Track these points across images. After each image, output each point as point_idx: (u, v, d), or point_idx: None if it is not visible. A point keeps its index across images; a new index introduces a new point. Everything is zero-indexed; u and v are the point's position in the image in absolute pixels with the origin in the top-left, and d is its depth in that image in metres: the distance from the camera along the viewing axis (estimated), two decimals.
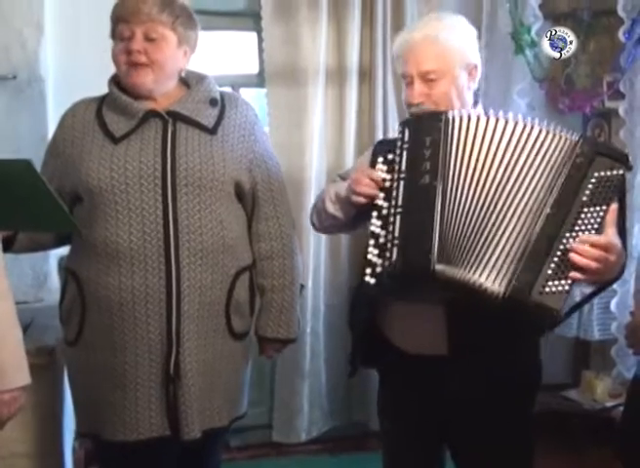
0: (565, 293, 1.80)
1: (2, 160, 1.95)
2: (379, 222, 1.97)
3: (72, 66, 3.08)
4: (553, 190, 1.86)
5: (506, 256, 1.84)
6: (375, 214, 1.99)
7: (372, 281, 1.94)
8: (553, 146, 1.91)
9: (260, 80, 3.51)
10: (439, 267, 1.84)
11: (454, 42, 2.11)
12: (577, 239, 1.81)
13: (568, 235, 1.82)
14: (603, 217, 1.83)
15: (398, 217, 1.92)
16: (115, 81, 2.25)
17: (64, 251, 2.65)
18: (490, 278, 1.83)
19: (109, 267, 2.13)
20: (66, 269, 2.27)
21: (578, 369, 3.87)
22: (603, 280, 1.90)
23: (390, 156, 2.02)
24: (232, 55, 3.61)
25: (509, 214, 1.87)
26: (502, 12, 3.56)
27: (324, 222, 2.32)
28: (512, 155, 1.91)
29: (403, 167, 1.96)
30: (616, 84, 3.53)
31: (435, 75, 2.08)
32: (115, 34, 2.19)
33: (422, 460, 2.25)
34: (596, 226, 1.82)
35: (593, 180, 1.84)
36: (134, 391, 2.14)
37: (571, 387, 3.78)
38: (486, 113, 1.96)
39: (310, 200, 3.35)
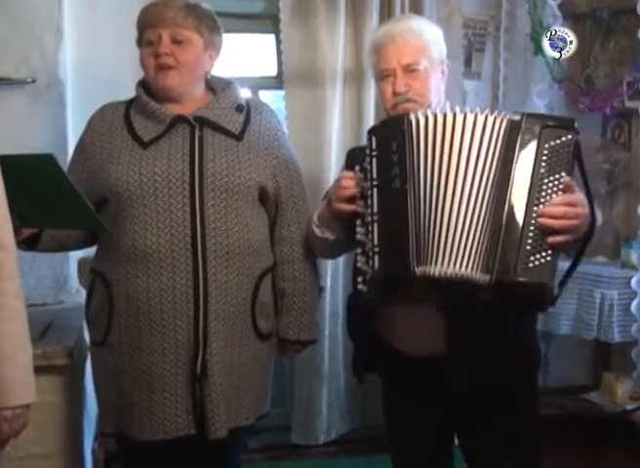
0: (549, 264, 1.80)
1: (25, 154, 1.97)
2: (362, 230, 1.99)
3: (91, 70, 3.10)
4: (510, 171, 1.86)
5: (480, 243, 1.85)
6: (358, 222, 2.01)
7: (364, 289, 1.97)
8: (497, 129, 1.90)
9: (278, 82, 3.51)
10: (419, 270, 1.86)
11: (432, 36, 2.17)
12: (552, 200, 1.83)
13: (535, 208, 1.83)
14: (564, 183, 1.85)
15: (375, 225, 1.94)
16: (143, 85, 2.28)
17: (84, 252, 2.67)
18: (472, 268, 1.84)
19: (137, 269, 2.16)
20: (93, 271, 2.30)
21: (598, 371, 3.84)
22: (579, 236, 1.88)
23: (365, 164, 2.03)
24: (251, 57, 3.61)
25: (471, 202, 1.87)
26: (521, 12, 3.56)
27: (320, 249, 2.35)
28: (462, 145, 1.91)
29: (374, 174, 1.98)
30: (636, 84, 3.52)
31: (417, 66, 2.11)
32: (142, 40, 2.23)
33: (434, 462, 2.26)
34: (559, 193, 1.83)
35: (546, 152, 1.85)
36: (160, 391, 2.17)
37: (591, 389, 3.75)
38: (443, 109, 1.98)
39: None
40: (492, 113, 1.93)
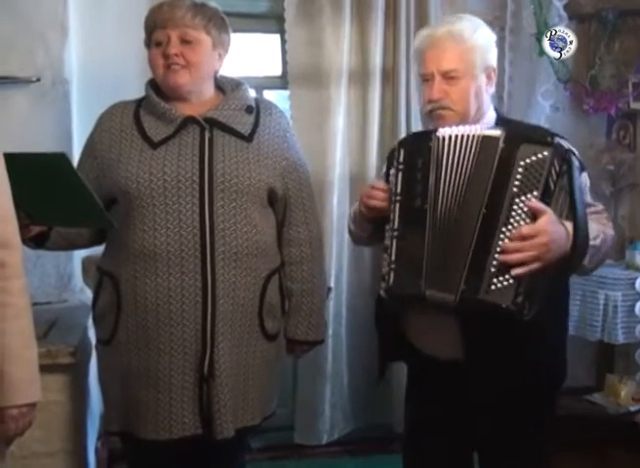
0: (511, 287, 1.81)
1: (37, 153, 1.97)
2: (390, 234, 2.01)
3: (96, 69, 3.10)
4: (487, 190, 1.86)
5: (457, 265, 1.87)
6: (387, 226, 2.02)
7: (385, 297, 2.01)
8: (482, 148, 1.90)
9: (283, 82, 3.51)
10: (429, 292, 1.90)
11: (476, 41, 2.09)
12: (511, 233, 1.82)
13: (504, 229, 1.83)
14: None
15: (394, 241, 1.97)
16: (152, 84, 2.28)
17: (88, 251, 2.67)
18: (447, 289, 1.88)
19: (146, 268, 2.17)
20: (100, 270, 2.30)
21: (601, 372, 3.83)
22: (551, 261, 1.84)
23: (392, 175, 2.04)
24: (255, 57, 3.61)
25: (463, 226, 1.89)
26: (527, 13, 3.54)
27: (355, 240, 2.41)
28: (461, 166, 1.92)
29: (398, 189, 1.99)
30: None
31: (456, 74, 2.05)
32: (151, 41, 2.23)
33: (452, 463, 2.24)
34: (530, 214, 1.82)
35: (520, 170, 1.84)
36: (167, 391, 2.18)
37: (594, 391, 3.75)
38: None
39: (333, 202, 3.36)
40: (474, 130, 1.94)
